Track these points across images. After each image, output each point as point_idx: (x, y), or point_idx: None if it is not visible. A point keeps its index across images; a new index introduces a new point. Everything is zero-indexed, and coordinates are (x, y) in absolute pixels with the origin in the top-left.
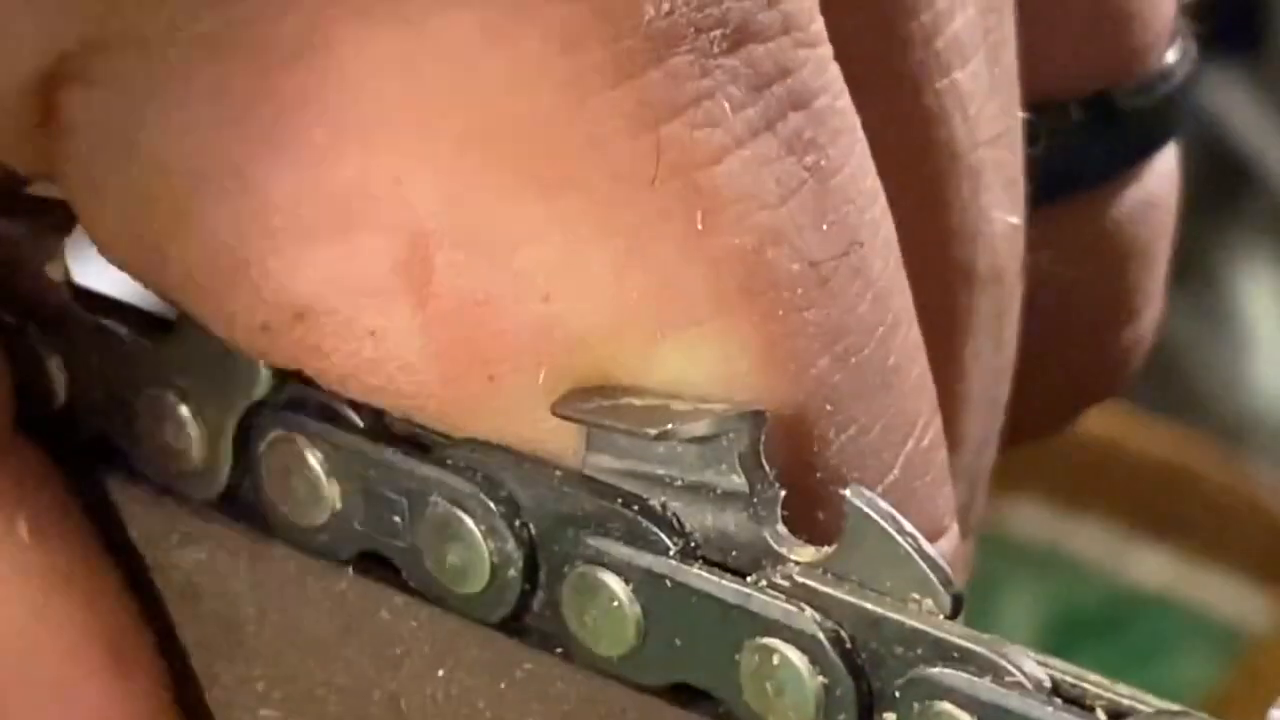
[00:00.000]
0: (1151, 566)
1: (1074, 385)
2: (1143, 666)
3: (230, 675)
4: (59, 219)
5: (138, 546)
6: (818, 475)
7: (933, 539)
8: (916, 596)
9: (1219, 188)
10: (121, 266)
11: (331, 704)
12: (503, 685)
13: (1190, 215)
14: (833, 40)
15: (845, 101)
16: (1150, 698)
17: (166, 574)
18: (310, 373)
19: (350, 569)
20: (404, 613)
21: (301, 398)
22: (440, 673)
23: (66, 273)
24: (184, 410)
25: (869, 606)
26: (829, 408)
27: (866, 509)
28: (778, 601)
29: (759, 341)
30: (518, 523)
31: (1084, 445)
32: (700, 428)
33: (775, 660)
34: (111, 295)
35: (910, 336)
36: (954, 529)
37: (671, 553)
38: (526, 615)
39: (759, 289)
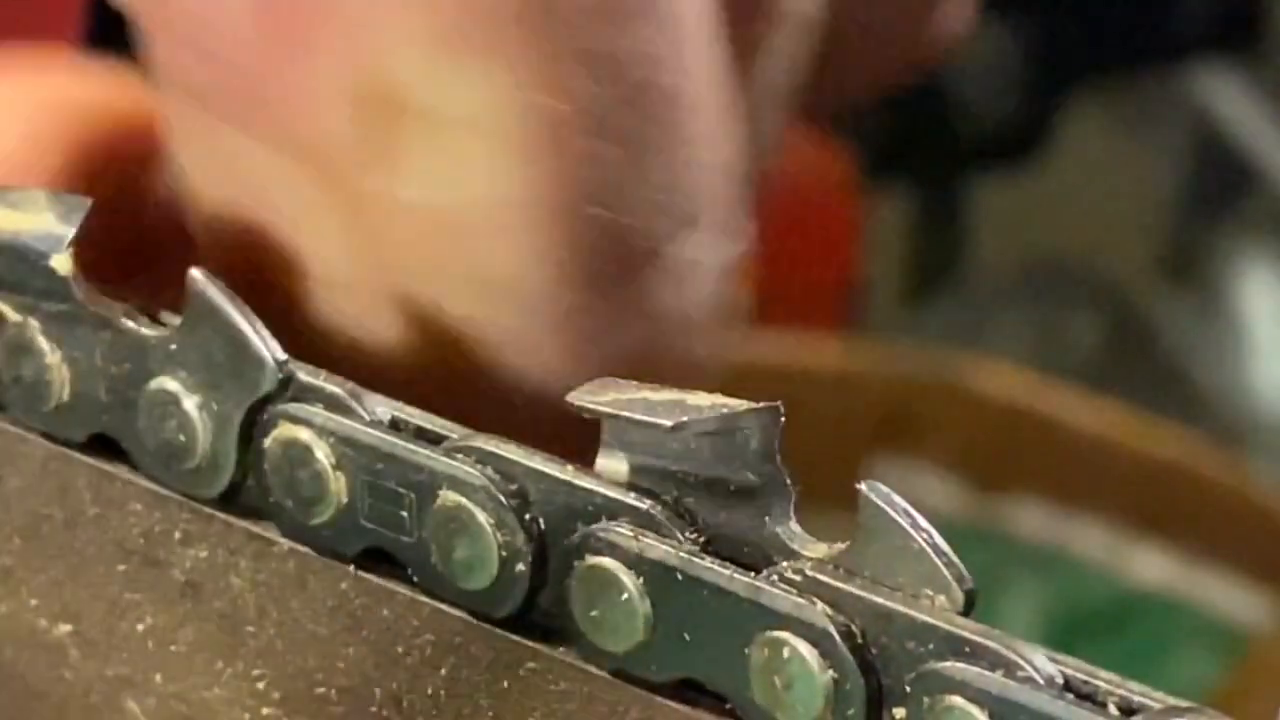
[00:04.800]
0: (1152, 566)
1: (901, 48)
2: (1144, 666)
3: (231, 673)
4: (65, 212)
5: (139, 544)
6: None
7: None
8: (929, 592)
9: (1219, 188)
10: None
11: (333, 703)
12: (505, 684)
13: (1190, 215)
14: None
15: None
16: (1162, 694)
17: (168, 572)
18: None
19: (352, 567)
20: (406, 611)
21: (309, 390)
22: (442, 671)
23: (71, 266)
24: (189, 405)
25: (881, 601)
26: (600, 128)
27: (881, 503)
28: (789, 595)
29: (528, 62)
30: (527, 516)
31: (1084, 445)
32: (714, 422)
33: (785, 654)
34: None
35: (702, 58)
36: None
37: (683, 547)
38: (533, 611)
39: (536, 17)
